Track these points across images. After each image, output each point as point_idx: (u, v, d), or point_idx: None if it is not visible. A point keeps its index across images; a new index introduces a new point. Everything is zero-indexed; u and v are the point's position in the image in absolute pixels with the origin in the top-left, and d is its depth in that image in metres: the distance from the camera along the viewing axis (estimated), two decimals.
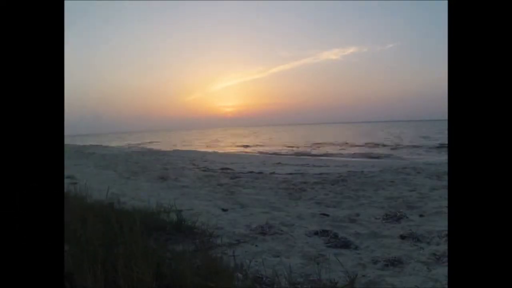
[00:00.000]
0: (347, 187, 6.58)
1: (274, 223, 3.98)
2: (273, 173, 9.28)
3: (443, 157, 14.47)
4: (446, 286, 2.31)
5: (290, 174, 8.92)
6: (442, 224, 3.80)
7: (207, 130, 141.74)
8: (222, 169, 10.38)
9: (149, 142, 39.86)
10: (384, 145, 23.92)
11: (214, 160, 14.34)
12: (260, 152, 22.93)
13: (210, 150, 25.01)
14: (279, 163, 12.57)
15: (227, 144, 34.86)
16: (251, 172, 9.47)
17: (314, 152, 21.15)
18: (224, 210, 4.83)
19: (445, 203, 4.82)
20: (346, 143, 27.23)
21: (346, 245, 3.29)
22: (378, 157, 17.00)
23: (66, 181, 6.56)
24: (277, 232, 3.65)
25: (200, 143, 36.54)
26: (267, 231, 3.67)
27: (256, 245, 3.27)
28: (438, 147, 20.31)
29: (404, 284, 2.42)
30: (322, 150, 22.40)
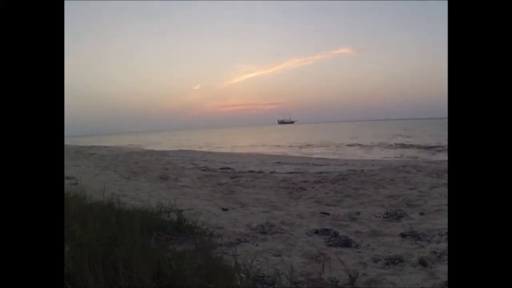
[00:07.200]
0: (347, 186, 6.58)
1: (274, 222, 3.98)
2: (273, 172, 9.28)
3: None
4: (447, 284, 2.31)
5: (290, 173, 8.91)
6: (442, 222, 3.80)
7: (217, 130, 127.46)
8: (222, 168, 10.38)
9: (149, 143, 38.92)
10: None
11: (214, 159, 14.33)
12: None
13: None
14: (279, 162, 12.57)
15: None
16: (251, 171, 9.46)
17: None
18: (224, 209, 4.83)
19: (445, 201, 4.82)
20: None
21: (346, 243, 3.29)
22: None
23: (66, 181, 6.56)
24: (277, 231, 3.65)
25: None
26: (268, 230, 3.67)
27: (257, 245, 3.27)
28: None
29: (404, 283, 2.42)
30: None
